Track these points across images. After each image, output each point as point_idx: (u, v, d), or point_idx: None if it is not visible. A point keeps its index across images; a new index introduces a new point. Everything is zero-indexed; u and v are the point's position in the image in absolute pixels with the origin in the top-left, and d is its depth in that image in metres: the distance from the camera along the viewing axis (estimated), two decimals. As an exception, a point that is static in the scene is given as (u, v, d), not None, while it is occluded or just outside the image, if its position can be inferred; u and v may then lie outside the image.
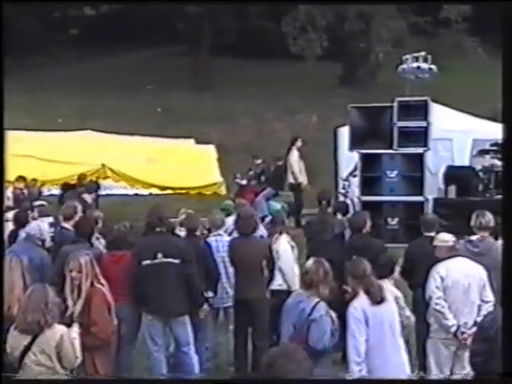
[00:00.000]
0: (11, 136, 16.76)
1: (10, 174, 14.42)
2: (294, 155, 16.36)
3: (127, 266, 8.29)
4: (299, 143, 16.43)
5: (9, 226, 10.46)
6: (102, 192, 16.71)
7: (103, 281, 7.25)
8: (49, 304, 6.42)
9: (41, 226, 9.07)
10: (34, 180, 14.89)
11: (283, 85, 28.54)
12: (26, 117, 23.61)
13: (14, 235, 9.98)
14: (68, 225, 9.55)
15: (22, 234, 9.52)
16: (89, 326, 7.03)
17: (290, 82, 28.68)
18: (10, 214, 11.05)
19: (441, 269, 7.73)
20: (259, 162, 17.77)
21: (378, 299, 6.63)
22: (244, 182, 17.69)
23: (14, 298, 6.86)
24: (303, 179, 16.41)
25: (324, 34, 26.98)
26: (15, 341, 6.38)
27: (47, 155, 15.30)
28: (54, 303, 6.51)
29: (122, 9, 30.10)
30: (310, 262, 6.91)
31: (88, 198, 13.87)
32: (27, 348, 6.36)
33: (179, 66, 31.13)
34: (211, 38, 31.31)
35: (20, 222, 10.22)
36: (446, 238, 8.02)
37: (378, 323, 6.55)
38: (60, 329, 6.50)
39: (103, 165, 15.09)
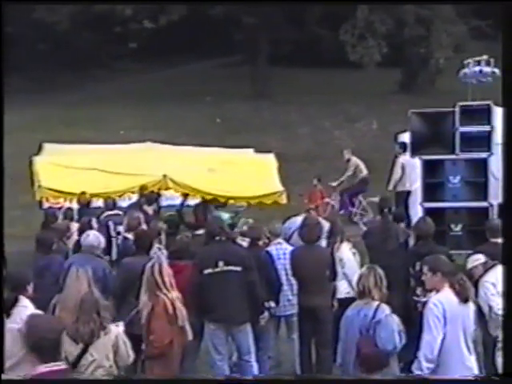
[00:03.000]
0: (74, 149, 17.18)
1: (74, 187, 14.68)
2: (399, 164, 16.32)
3: (189, 276, 8.35)
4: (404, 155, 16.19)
5: (73, 237, 10.64)
6: (164, 203, 16.86)
7: (166, 290, 7.30)
8: (101, 312, 6.53)
9: (99, 237, 9.16)
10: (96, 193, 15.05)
11: (342, 93, 28.45)
12: (88, 130, 24.03)
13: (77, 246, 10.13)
14: (131, 235, 9.69)
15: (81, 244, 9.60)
16: (148, 335, 7.13)
17: (348, 90, 28.58)
18: (75, 225, 11.22)
19: (489, 277, 7.65)
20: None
21: (466, 297, 6.59)
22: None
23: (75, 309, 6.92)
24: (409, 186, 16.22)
25: (383, 41, 26.87)
26: (69, 346, 6.50)
27: (109, 167, 15.44)
28: (104, 308, 6.62)
29: (180, 21, 30.41)
30: (364, 268, 6.94)
31: (149, 209, 14.02)
32: (84, 350, 6.47)
33: (237, 76, 31.31)
34: (269, 48, 31.43)
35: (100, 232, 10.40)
36: (477, 257, 7.96)
37: (455, 322, 6.50)
38: (114, 329, 6.60)
39: (164, 176, 15.18)
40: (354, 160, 18.49)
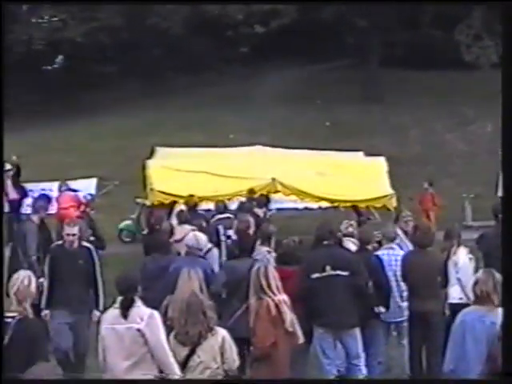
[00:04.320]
0: (185, 153, 17.49)
1: (185, 189, 14.91)
2: None
3: (296, 281, 8.34)
4: None
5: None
6: (272, 206, 16.92)
7: (271, 293, 7.33)
8: (206, 312, 6.60)
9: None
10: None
11: (455, 94, 27.87)
12: (199, 133, 24.44)
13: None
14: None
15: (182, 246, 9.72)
16: (252, 336, 7.19)
17: (462, 92, 27.95)
18: (185, 228, 11.31)
19: None
20: None
21: None
22: None
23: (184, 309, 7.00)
24: None
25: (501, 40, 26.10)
26: (177, 348, 6.58)
27: (219, 170, 15.63)
28: (210, 308, 6.68)
29: (291, 25, 30.52)
30: (481, 272, 6.74)
31: (259, 212, 14.07)
32: (191, 352, 6.56)
33: (348, 79, 31.15)
34: (381, 50, 31.13)
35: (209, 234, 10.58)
36: None
37: None
38: (221, 331, 6.65)
39: (273, 179, 15.24)
40: None
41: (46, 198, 12.15)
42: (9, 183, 16.43)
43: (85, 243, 9.24)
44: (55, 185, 17.10)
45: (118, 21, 30.88)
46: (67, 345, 8.72)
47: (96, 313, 8.81)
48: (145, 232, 13.91)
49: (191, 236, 9.29)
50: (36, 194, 14.94)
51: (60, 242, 9.31)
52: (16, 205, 16.50)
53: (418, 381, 7.19)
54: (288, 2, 29.40)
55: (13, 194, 16.35)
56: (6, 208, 15.63)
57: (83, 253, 9.09)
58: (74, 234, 8.98)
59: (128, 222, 17.96)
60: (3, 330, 4.02)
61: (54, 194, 16.48)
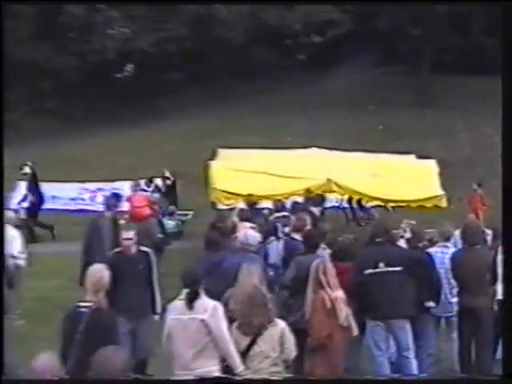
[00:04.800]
0: (246, 154, 17.57)
1: (245, 189, 14.99)
2: None
3: (350, 276, 8.32)
4: None
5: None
6: (327, 205, 16.90)
7: (328, 289, 7.32)
8: (267, 304, 6.63)
9: (248, 235, 9.14)
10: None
11: (505, 99, 27.32)
12: (259, 136, 24.50)
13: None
14: (298, 236, 9.76)
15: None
16: (309, 328, 7.20)
17: (512, 97, 27.39)
18: (245, 225, 11.34)
19: None
20: None
21: None
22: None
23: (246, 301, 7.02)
24: None
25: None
26: (239, 338, 6.62)
27: (277, 171, 15.67)
28: (271, 301, 6.71)
29: (346, 34, 30.43)
30: None
31: (315, 210, 14.04)
32: (252, 342, 6.60)
33: (401, 85, 30.90)
34: (433, 57, 30.79)
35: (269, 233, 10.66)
36: None
37: None
38: (280, 323, 6.68)
39: (329, 179, 15.21)
40: None
41: (117, 197, 12.44)
42: (25, 185, 16.99)
43: (142, 248, 8.83)
44: (126, 184, 17.33)
45: (184, 31, 31.19)
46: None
47: (155, 317, 8.54)
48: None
49: (243, 233, 9.30)
50: (107, 193, 15.22)
51: (117, 250, 8.87)
52: (33, 208, 16.93)
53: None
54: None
55: (30, 197, 16.83)
56: (23, 210, 16.08)
57: (142, 257, 8.69)
58: (130, 239, 8.61)
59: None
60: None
61: (125, 193, 16.73)
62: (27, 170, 17.14)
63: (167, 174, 18.55)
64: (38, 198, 17.06)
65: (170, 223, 17.18)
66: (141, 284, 8.60)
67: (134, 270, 8.52)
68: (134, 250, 8.66)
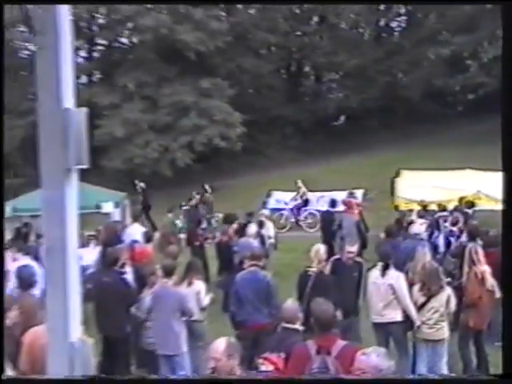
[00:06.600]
0: (419, 173, 17.11)
1: (418, 196, 14.80)
2: None
3: (495, 258, 7.77)
4: None
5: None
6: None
7: (479, 264, 7.07)
8: (439, 275, 6.54)
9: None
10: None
11: None
12: (430, 162, 23.17)
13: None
14: (455, 228, 9.32)
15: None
16: (464, 292, 7.00)
17: None
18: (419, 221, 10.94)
19: None
20: None
21: None
22: None
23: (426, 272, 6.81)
24: None
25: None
26: (418, 297, 6.53)
27: (441, 185, 15.34)
28: (441, 273, 6.66)
29: (493, 92, 27.92)
30: None
31: (468, 211, 13.40)
32: (427, 300, 6.48)
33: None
34: None
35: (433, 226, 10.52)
36: None
37: None
38: (447, 289, 6.61)
39: (478, 191, 14.51)
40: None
41: (334, 201, 13.36)
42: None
43: (357, 259, 7.63)
44: (343, 194, 17.24)
45: (377, 93, 30.78)
46: None
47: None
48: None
49: (416, 226, 9.27)
50: (327, 199, 15.47)
51: (337, 256, 7.76)
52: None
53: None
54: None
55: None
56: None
57: (356, 267, 7.43)
58: (353, 252, 7.48)
59: None
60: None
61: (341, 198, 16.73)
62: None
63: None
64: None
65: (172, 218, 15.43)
66: (354, 288, 7.42)
67: (349, 276, 7.36)
68: (351, 261, 7.46)
